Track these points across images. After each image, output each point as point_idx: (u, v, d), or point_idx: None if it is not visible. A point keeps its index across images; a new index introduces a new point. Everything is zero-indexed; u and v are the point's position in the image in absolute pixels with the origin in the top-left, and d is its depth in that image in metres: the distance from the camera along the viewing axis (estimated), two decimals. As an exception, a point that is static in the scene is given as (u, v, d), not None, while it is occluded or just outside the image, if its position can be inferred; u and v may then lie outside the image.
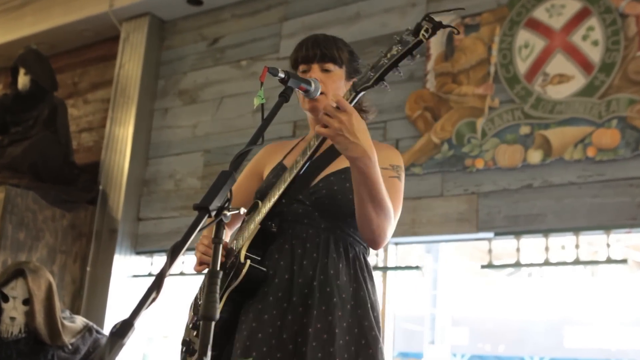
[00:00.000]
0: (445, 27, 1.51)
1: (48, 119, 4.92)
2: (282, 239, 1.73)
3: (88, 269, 4.70)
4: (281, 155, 1.93)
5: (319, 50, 1.82)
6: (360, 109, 1.93)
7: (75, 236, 4.75)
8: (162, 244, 4.68)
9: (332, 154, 1.80)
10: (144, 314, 0.98)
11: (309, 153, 1.68)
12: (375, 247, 1.71)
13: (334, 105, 1.53)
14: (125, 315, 1.04)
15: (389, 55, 1.55)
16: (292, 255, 1.71)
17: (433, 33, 1.51)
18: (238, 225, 1.92)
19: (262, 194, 1.80)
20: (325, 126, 1.54)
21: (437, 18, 1.49)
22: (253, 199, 1.84)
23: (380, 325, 1.73)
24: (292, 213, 1.76)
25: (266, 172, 1.92)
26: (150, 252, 4.78)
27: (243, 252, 1.70)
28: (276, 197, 1.70)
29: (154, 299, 1.02)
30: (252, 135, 1.51)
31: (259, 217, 1.72)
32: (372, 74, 1.57)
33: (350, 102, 1.59)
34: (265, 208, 1.72)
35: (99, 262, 4.71)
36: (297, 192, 1.77)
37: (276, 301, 1.67)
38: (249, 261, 1.68)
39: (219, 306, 1.23)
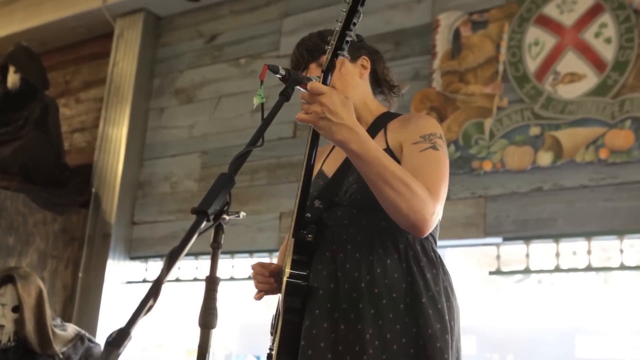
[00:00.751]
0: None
1: (39, 119, 4.92)
2: (323, 246, 1.69)
3: (80, 275, 4.71)
4: (321, 160, 1.91)
5: (304, 50, 1.84)
6: (388, 85, 1.92)
7: (67, 241, 4.75)
8: (158, 249, 4.69)
9: None
10: (141, 322, 0.99)
11: (306, 151, 1.66)
12: (420, 233, 1.59)
13: (310, 90, 1.53)
14: (121, 323, 1.04)
15: (338, 23, 1.56)
16: (334, 261, 1.67)
17: None
18: None
19: (304, 210, 1.75)
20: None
21: None
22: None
23: (447, 318, 1.63)
24: (332, 217, 1.72)
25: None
26: (145, 258, 4.79)
27: (287, 270, 1.67)
28: (296, 205, 1.67)
29: (151, 307, 1.02)
30: (251, 136, 1.51)
31: (290, 231, 1.69)
32: (329, 47, 1.58)
33: (323, 83, 1.59)
34: (292, 220, 1.69)
35: (92, 268, 4.71)
36: (333, 194, 1.75)
37: (325, 313, 1.62)
38: (285, 278, 1.65)
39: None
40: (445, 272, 1.73)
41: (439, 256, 1.75)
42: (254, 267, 1.81)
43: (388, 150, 1.73)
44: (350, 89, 1.82)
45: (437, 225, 1.77)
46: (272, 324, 1.80)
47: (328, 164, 1.86)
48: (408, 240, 1.69)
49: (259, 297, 1.80)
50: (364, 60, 1.89)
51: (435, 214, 1.60)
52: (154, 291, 1.02)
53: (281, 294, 1.68)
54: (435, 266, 1.70)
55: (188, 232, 1.16)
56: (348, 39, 1.57)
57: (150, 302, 1.01)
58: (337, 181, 1.76)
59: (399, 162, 1.69)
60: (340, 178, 1.76)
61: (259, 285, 1.79)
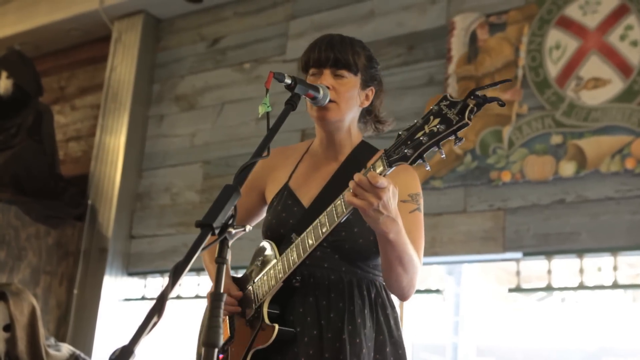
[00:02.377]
0: (491, 101, 1.50)
1: (32, 127, 4.97)
2: (304, 289, 1.78)
3: (75, 291, 4.73)
4: (285, 172, 1.94)
5: (332, 54, 1.83)
6: (377, 120, 1.96)
7: (62, 255, 4.78)
8: (157, 265, 4.71)
9: (348, 174, 1.77)
10: (144, 339, 1.02)
11: (335, 220, 1.64)
12: (405, 300, 1.77)
13: (370, 181, 1.53)
14: (121, 341, 1.07)
15: (427, 131, 1.50)
16: (317, 308, 1.76)
17: (478, 110, 1.51)
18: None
19: (273, 233, 1.84)
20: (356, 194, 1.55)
21: (481, 93, 1.50)
22: (263, 233, 1.88)
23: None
24: (310, 256, 1.75)
25: (269, 192, 1.94)
26: (143, 274, 4.81)
27: (265, 310, 1.75)
28: (297, 261, 1.72)
29: (155, 324, 1.05)
30: (257, 145, 1.54)
31: (280, 275, 1.74)
32: (409, 151, 1.52)
33: (384, 175, 1.58)
34: (284, 265, 1.74)
35: (87, 285, 4.74)
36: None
37: None
38: (277, 326, 1.73)
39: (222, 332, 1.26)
40: (397, 319, 1.86)
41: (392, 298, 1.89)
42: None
43: None
44: (348, 112, 1.85)
45: None
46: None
47: (300, 186, 1.88)
48: (377, 288, 1.82)
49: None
50: (370, 92, 1.91)
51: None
52: (158, 307, 1.06)
53: (256, 333, 1.75)
54: (395, 310, 1.85)
55: (192, 246, 1.19)
56: (438, 149, 1.54)
57: (155, 319, 1.04)
58: (316, 215, 1.76)
59: None
60: (320, 211, 1.76)
61: (226, 311, 1.86)
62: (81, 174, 5.16)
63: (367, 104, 1.91)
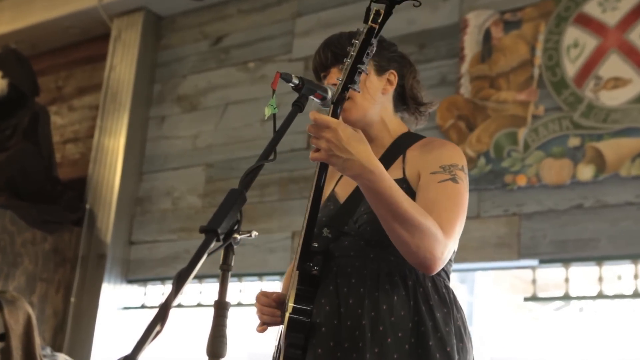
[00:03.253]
0: (399, 2, 1.55)
1: (28, 128, 4.98)
2: (327, 279, 1.75)
3: (72, 299, 4.75)
4: (333, 180, 1.93)
5: (329, 52, 1.86)
6: (415, 101, 1.95)
7: (58, 262, 4.80)
8: (157, 272, 4.73)
9: (384, 165, 1.76)
10: (146, 349, 1.02)
11: (314, 183, 1.69)
12: (429, 272, 1.66)
13: (313, 121, 1.55)
14: (122, 351, 1.07)
15: (349, 54, 1.59)
16: (337, 296, 1.73)
17: (387, 14, 1.55)
18: None
19: (311, 235, 1.79)
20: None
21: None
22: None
23: None
24: (339, 248, 1.77)
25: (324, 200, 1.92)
26: (143, 281, 4.83)
27: (290, 304, 1.72)
28: (302, 233, 1.71)
29: (158, 332, 1.06)
30: (262, 148, 1.55)
31: (295, 262, 1.74)
32: (339, 79, 1.61)
33: (332, 115, 1.61)
34: (297, 250, 1.74)
35: (85, 292, 4.75)
36: (341, 224, 1.79)
37: (328, 352, 1.68)
38: (287, 314, 1.70)
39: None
40: (459, 310, 1.78)
41: (452, 292, 1.80)
42: (258, 297, 1.86)
43: (404, 180, 1.77)
44: (370, 106, 1.85)
45: (450, 260, 1.82)
46: (273, 357, 1.85)
47: (341, 186, 1.89)
48: (417, 277, 1.74)
49: (262, 329, 1.85)
50: (392, 75, 1.91)
51: (446, 252, 1.66)
52: (162, 316, 1.06)
53: (283, 328, 1.72)
54: (447, 305, 1.75)
55: (197, 253, 1.20)
56: (360, 70, 1.60)
57: (157, 328, 1.05)
58: (349, 209, 1.80)
59: (414, 192, 1.74)
60: (352, 205, 1.80)
61: (262, 317, 1.83)
62: (79, 177, 5.17)
63: (390, 89, 1.90)
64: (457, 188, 1.73)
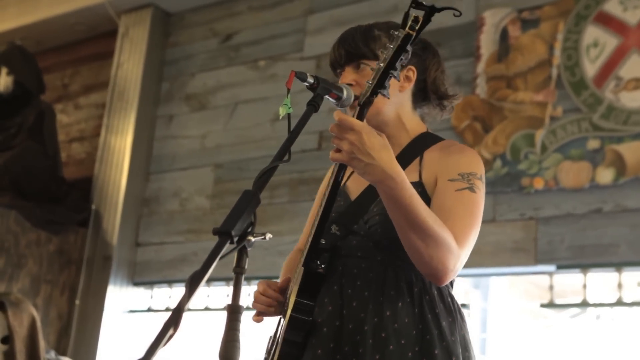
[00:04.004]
0: (439, 10, 1.53)
1: (33, 127, 5.01)
2: (332, 278, 1.76)
3: (77, 302, 4.76)
4: (346, 175, 1.91)
5: (342, 49, 1.86)
6: (438, 95, 1.93)
7: (63, 264, 4.82)
8: (165, 274, 4.74)
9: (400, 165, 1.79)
10: (160, 353, 1.03)
11: (331, 181, 1.69)
12: (438, 283, 1.67)
13: (337, 122, 1.55)
14: (128, 355, 1.08)
15: (382, 58, 1.57)
16: (341, 296, 1.74)
17: (425, 22, 1.54)
18: None
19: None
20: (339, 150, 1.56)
21: (427, 1, 1.53)
22: None
23: None
24: (346, 247, 1.78)
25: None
26: (150, 284, 4.84)
27: (292, 298, 1.73)
28: (311, 234, 1.71)
29: (171, 336, 1.07)
30: (271, 148, 1.56)
31: (302, 258, 1.74)
32: (369, 82, 1.59)
33: (358, 118, 1.61)
34: (305, 249, 1.73)
35: (90, 295, 4.77)
36: (351, 222, 1.79)
37: (327, 354, 1.69)
38: (289, 312, 1.71)
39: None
40: (463, 319, 1.79)
41: (457, 302, 1.81)
42: (259, 285, 1.85)
43: (419, 183, 1.78)
44: (385, 104, 1.84)
45: None
46: (267, 349, 1.86)
47: (354, 181, 1.89)
48: (424, 284, 1.75)
49: (258, 319, 1.83)
50: (410, 72, 1.89)
51: (459, 264, 1.67)
52: (174, 319, 1.07)
53: (283, 323, 1.73)
54: (452, 314, 1.76)
55: (210, 255, 1.21)
56: (392, 76, 1.59)
57: (170, 331, 1.05)
58: (360, 207, 1.80)
59: (429, 197, 1.75)
60: (364, 204, 1.80)
61: (260, 307, 1.82)
62: (85, 177, 5.19)
63: (408, 86, 1.89)
64: (474, 198, 1.74)
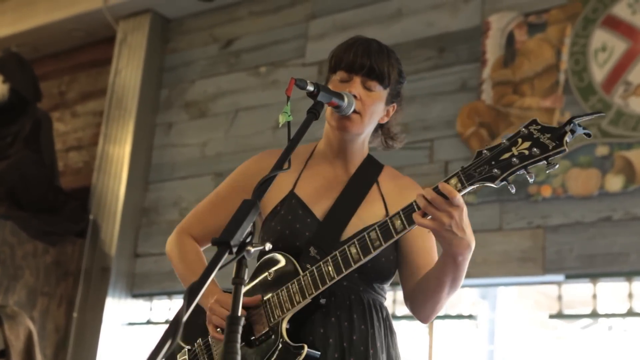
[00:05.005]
0: (584, 132, 1.58)
1: (30, 135, 5.03)
2: (325, 308, 1.81)
3: (75, 314, 4.77)
4: (287, 178, 1.92)
5: (368, 61, 1.84)
6: (389, 136, 2.00)
7: (60, 275, 4.83)
8: (164, 286, 4.75)
9: (360, 188, 1.90)
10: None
11: (392, 237, 1.70)
12: (426, 323, 1.89)
13: (442, 196, 1.59)
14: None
15: (516, 153, 1.55)
16: (340, 329, 1.80)
17: (572, 137, 1.57)
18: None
19: (286, 244, 1.83)
20: (425, 214, 1.62)
21: (578, 121, 1.55)
22: (266, 241, 1.82)
23: None
24: None
25: (267, 197, 1.88)
26: (149, 295, 4.85)
27: (284, 327, 1.77)
28: (335, 277, 1.74)
29: (169, 348, 1.08)
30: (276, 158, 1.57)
31: (310, 291, 1.74)
32: (497, 171, 1.57)
33: (461, 193, 1.62)
34: (316, 281, 1.75)
35: (88, 307, 4.78)
36: (329, 246, 1.81)
37: None
38: (305, 346, 1.75)
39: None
40: (397, 344, 1.95)
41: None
42: (213, 309, 1.82)
43: (387, 212, 1.89)
44: (370, 126, 1.90)
45: None
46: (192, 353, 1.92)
47: (310, 196, 1.90)
48: (386, 311, 1.92)
49: (219, 337, 1.81)
50: (392, 109, 1.96)
51: None
52: (173, 331, 1.08)
53: (273, 354, 1.76)
54: (394, 332, 1.93)
55: (209, 266, 1.22)
56: (519, 173, 1.59)
57: (169, 343, 1.07)
58: (334, 229, 1.84)
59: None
60: (337, 226, 1.84)
61: (219, 322, 1.80)
62: (82, 186, 5.21)
63: (385, 119, 1.95)
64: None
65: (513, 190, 1.58)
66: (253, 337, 1.80)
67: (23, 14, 5.71)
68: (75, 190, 5.20)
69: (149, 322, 4.84)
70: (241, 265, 1.33)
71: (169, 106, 5.18)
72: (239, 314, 1.29)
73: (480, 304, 4.42)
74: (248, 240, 1.33)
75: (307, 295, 1.75)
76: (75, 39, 5.72)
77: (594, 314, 3.56)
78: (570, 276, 3.55)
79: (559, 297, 3.63)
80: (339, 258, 1.72)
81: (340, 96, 1.76)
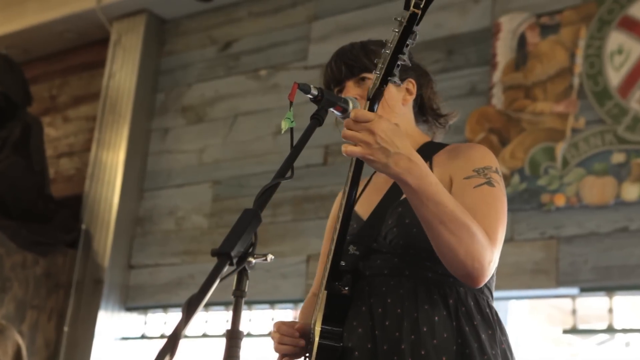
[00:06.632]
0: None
1: (19, 141, 5.03)
2: (359, 300, 1.78)
3: (66, 328, 4.77)
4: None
5: (342, 64, 1.90)
6: (434, 112, 2.01)
7: (51, 288, 4.83)
8: (159, 298, 4.75)
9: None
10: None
11: (343, 202, 1.72)
12: (476, 283, 1.68)
13: (353, 118, 1.59)
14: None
15: (388, 45, 1.62)
16: (371, 317, 1.75)
17: (429, 1, 1.58)
18: None
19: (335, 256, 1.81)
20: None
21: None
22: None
23: None
24: (370, 266, 1.81)
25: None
26: (143, 309, 4.85)
27: (317, 328, 1.74)
28: (331, 253, 1.74)
29: (168, 364, 1.09)
30: (273, 163, 1.58)
31: (323, 281, 1.76)
32: (377, 73, 1.64)
33: (369, 110, 1.65)
34: (325, 271, 1.76)
35: (80, 321, 4.78)
36: (370, 240, 1.82)
37: None
38: (317, 339, 1.72)
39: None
40: (503, 333, 1.79)
41: (496, 313, 1.82)
42: (278, 326, 1.86)
43: None
44: (393, 117, 1.87)
45: (493, 275, 1.83)
46: None
47: (361, 205, 1.92)
48: (459, 295, 1.76)
49: None
50: (410, 84, 1.96)
51: (493, 262, 1.69)
52: (171, 346, 1.08)
53: (310, 355, 1.74)
54: (492, 325, 1.76)
55: (209, 278, 1.23)
56: (400, 62, 1.63)
57: (167, 359, 1.07)
58: (374, 224, 1.83)
59: None
60: (378, 221, 1.83)
61: (282, 348, 1.83)
62: (74, 194, 5.21)
63: (410, 98, 1.95)
64: (495, 192, 1.76)
65: (398, 83, 1.69)
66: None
67: (12, 14, 5.72)
68: (67, 199, 5.21)
69: (143, 337, 4.84)
70: (242, 277, 1.33)
71: (165, 111, 5.19)
72: (240, 328, 1.30)
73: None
74: (249, 251, 1.34)
75: (323, 288, 1.75)
76: (67, 41, 5.73)
77: (610, 329, 3.56)
78: (585, 289, 3.55)
79: (573, 311, 3.63)
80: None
81: (344, 101, 1.78)
